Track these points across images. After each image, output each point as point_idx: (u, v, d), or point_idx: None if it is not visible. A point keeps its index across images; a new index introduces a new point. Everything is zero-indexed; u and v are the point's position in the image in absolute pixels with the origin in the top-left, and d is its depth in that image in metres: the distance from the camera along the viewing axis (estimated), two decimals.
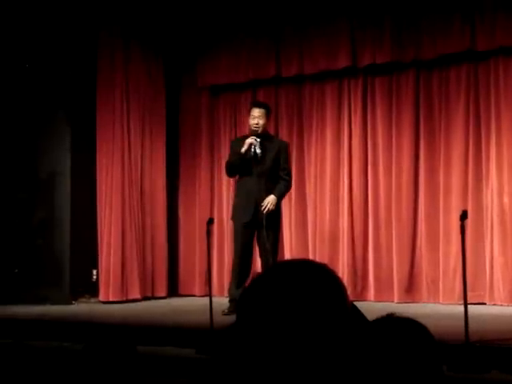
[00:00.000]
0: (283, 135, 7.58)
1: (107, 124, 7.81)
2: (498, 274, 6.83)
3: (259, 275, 1.24)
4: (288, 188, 6.58)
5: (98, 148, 7.83)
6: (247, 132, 7.81)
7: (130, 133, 7.92)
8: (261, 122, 6.41)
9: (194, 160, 8.36)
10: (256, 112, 6.42)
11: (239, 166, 6.39)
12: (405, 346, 1.75)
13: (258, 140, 6.34)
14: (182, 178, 8.46)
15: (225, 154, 8.06)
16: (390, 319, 1.81)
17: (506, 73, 6.91)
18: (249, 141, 6.32)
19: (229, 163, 6.53)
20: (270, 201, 6.29)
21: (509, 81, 6.89)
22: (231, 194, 8.02)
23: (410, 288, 7.20)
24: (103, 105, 7.82)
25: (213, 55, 8.06)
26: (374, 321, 1.82)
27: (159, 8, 7.96)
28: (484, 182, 7.00)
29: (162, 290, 8.08)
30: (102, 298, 7.68)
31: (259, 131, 6.41)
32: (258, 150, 6.33)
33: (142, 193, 8.01)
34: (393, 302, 7.16)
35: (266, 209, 6.27)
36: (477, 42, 6.91)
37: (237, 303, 1.24)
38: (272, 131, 7.31)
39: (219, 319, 5.49)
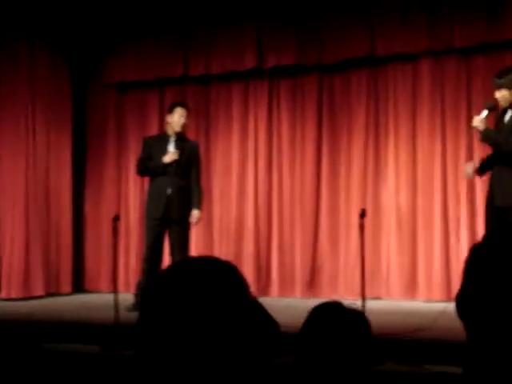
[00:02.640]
0: (190, 134, 7.62)
1: (10, 122, 7.63)
2: (394, 270, 7.11)
3: (162, 271, 1.23)
4: (202, 195, 6.72)
5: (0, 146, 7.65)
6: (155, 130, 7.84)
7: (35, 131, 7.77)
8: (186, 122, 6.57)
9: (100, 157, 8.27)
10: (184, 112, 6.54)
11: (159, 172, 6.48)
12: (341, 333, 1.84)
13: (178, 151, 6.46)
14: (89, 175, 8.37)
15: (132, 152, 8.03)
16: (332, 307, 1.91)
17: (404, 78, 7.18)
18: (174, 157, 6.42)
19: (147, 169, 6.58)
20: (197, 217, 6.53)
21: (406, 86, 7.16)
22: (138, 192, 8.01)
23: (312, 283, 7.37)
24: (7, 104, 7.62)
25: (120, 52, 7.99)
26: (315, 308, 1.90)
27: (65, 6, 7.83)
28: (382, 182, 7.26)
29: (66, 287, 7.98)
30: (4, 295, 7.53)
31: (181, 130, 6.55)
32: (176, 156, 6.43)
33: (46, 190, 7.88)
34: (295, 297, 7.33)
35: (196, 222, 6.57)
36: (376, 48, 7.13)
37: (140, 299, 1.29)
38: None
39: (125, 316, 5.51)
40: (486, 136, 5.37)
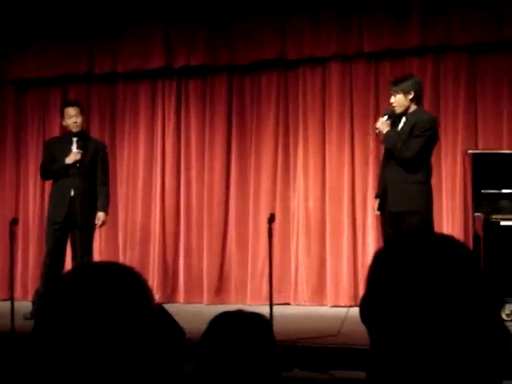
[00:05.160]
0: (95, 134, 7.41)
1: None
2: (302, 276, 7.12)
3: (62, 277, 1.20)
4: (109, 196, 6.56)
5: None
6: (57, 129, 7.58)
7: None
8: (79, 120, 6.37)
9: None
10: (72, 111, 6.34)
11: (62, 174, 6.27)
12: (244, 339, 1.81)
13: (81, 152, 6.26)
14: None
15: (32, 152, 7.76)
16: (236, 314, 1.87)
17: (313, 82, 7.22)
18: (77, 157, 6.22)
19: (50, 172, 6.38)
20: (102, 220, 6.37)
21: (315, 90, 7.20)
22: (38, 195, 7.73)
23: (220, 290, 7.30)
24: None
25: (21, 48, 7.70)
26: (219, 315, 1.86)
27: None
28: (291, 186, 7.26)
29: None
30: None
31: (79, 129, 6.36)
32: (79, 156, 6.23)
33: None
34: (202, 303, 7.22)
35: (101, 225, 6.41)
36: (286, 51, 7.15)
37: (37, 306, 1.19)
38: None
39: (21, 324, 5.27)
40: (385, 139, 5.57)
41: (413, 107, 5.49)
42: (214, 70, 7.45)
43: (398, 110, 5.49)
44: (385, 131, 5.51)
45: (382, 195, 5.59)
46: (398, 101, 5.47)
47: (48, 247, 6.34)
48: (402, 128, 5.49)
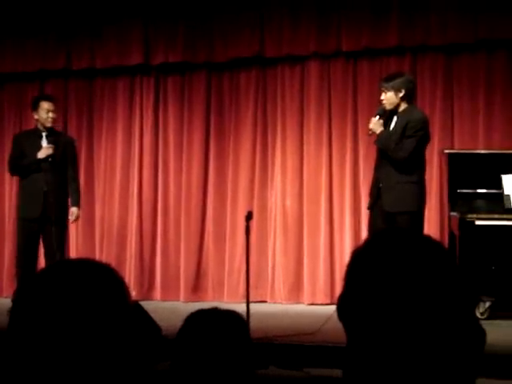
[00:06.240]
0: (72, 131, 7.36)
1: None
2: (279, 274, 7.13)
3: (36, 274, 1.18)
4: (80, 190, 6.55)
5: None
6: (33, 125, 7.52)
7: None
8: (55, 116, 6.34)
9: None
10: (51, 106, 6.30)
11: (33, 169, 6.21)
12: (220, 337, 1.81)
13: (53, 146, 6.21)
14: None
15: (9, 149, 7.65)
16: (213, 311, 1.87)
17: (291, 81, 7.22)
18: (49, 152, 6.17)
19: (20, 167, 6.29)
20: (76, 215, 6.37)
21: (293, 90, 7.21)
22: (14, 191, 7.65)
23: (196, 287, 7.29)
24: None
25: None
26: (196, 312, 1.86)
27: None
28: (269, 184, 7.26)
29: None
30: None
31: (52, 125, 6.32)
32: (51, 151, 6.18)
33: None
34: (179, 301, 7.21)
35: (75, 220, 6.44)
36: (265, 49, 7.15)
37: (12, 303, 1.18)
38: (60, 126, 7.10)
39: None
40: (378, 139, 5.49)
41: (403, 105, 5.41)
42: (193, 68, 7.43)
43: (388, 107, 5.41)
44: (378, 131, 5.42)
45: (374, 194, 5.50)
46: (388, 98, 5.38)
47: (21, 245, 6.26)
48: (393, 128, 5.41)
